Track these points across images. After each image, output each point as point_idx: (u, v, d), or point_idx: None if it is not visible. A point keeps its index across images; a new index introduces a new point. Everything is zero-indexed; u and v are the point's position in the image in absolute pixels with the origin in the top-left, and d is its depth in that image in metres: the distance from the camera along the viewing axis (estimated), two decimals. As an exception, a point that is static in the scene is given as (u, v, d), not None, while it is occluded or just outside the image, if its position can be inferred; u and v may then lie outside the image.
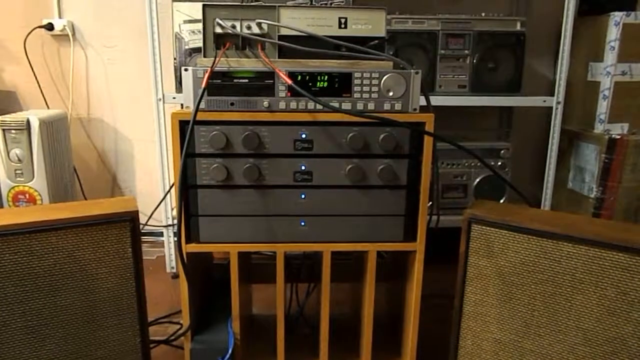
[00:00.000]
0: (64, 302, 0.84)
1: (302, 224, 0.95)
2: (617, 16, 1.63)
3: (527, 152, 2.04)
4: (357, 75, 0.90)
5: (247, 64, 0.93)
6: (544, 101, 1.65)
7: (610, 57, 1.66)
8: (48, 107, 1.91)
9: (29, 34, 1.85)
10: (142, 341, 0.92)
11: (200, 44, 0.95)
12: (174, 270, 1.73)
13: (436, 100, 1.59)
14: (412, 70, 0.91)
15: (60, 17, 1.87)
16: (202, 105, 0.89)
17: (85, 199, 1.97)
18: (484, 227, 0.88)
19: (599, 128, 1.72)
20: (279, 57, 0.95)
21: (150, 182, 2.02)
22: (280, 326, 1.01)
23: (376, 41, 0.96)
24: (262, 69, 0.90)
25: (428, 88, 1.68)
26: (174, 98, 1.57)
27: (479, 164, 1.69)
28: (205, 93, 0.89)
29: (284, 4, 0.94)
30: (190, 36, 1.57)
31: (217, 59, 0.89)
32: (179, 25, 1.58)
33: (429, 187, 0.94)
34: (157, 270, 1.76)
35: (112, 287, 0.88)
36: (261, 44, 0.94)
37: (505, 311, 0.88)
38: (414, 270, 0.98)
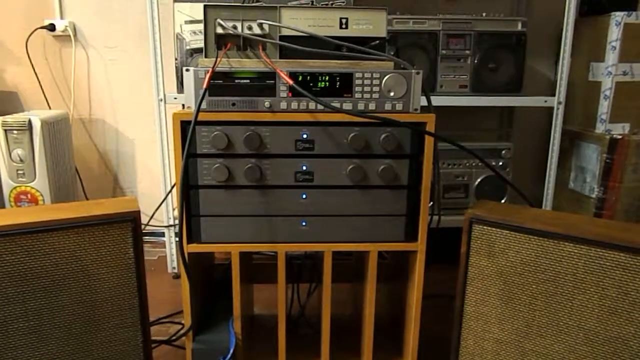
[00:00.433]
0: (65, 302, 0.84)
1: (303, 224, 0.95)
2: (618, 16, 1.63)
3: (528, 153, 2.04)
4: (358, 75, 0.90)
5: (249, 64, 0.93)
6: (545, 101, 1.65)
7: (611, 57, 1.66)
8: (50, 108, 1.92)
9: (31, 34, 1.85)
10: (144, 341, 0.92)
11: (202, 45, 0.96)
12: (176, 271, 1.73)
13: (437, 101, 1.59)
14: (413, 71, 0.91)
15: (61, 17, 1.88)
16: (204, 106, 0.89)
17: (87, 199, 1.97)
18: (485, 227, 0.88)
19: (600, 128, 1.72)
20: (280, 58, 0.95)
21: (152, 183, 2.02)
22: (281, 326, 1.01)
23: (377, 41, 0.97)
24: (263, 70, 0.90)
25: (429, 88, 1.68)
26: (175, 98, 1.57)
27: (480, 164, 1.69)
28: (207, 93, 0.89)
29: (285, 5, 0.95)
30: (191, 37, 1.58)
31: (218, 59, 0.89)
32: (180, 26, 1.58)
33: (430, 187, 0.94)
34: (159, 270, 1.76)
35: (113, 287, 0.88)
36: (262, 45, 0.94)
37: (506, 311, 0.88)
38: (415, 271, 0.98)
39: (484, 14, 1.67)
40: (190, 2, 1.56)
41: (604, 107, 1.69)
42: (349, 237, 0.97)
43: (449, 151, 1.68)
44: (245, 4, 0.94)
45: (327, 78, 0.90)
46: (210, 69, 0.87)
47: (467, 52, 1.67)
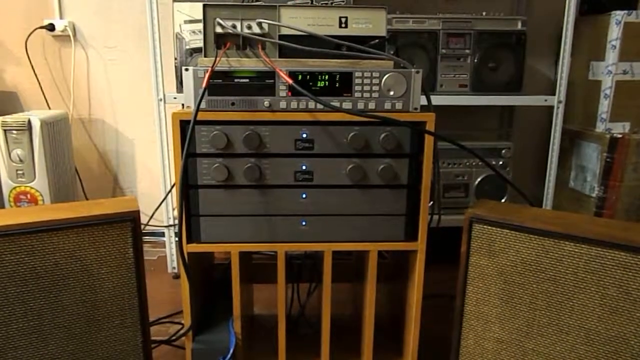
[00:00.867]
0: (65, 302, 0.84)
1: (303, 223, 0.95)
2: (618, 15, 1.63)
3: (528, 152, 2.03)
4: (357, 74, 0.90)
5: (248, 63, 0.93)
6: (545, 100, 1.65)
7: (611, 56, 1.66)
8: (49, 108, 1.92)
9: (30, 34, 1.85)
10: (144, 341, 0.92)
11: (201, 44, 0.95)
12: (175, 271, 1.73)
13: (437, 100, 1.59)
14: (412, 70, 0.91)
15: (61, 17, 1.88)
16: (203, 105, 0.89)
17: (87, 199, 1.97)
18: (485, 227, 0.88)
19: (600, 127, 1.71)
20: (279, 57, 0.95)
21: (152, 183, 2.02)
22: (281, 326, 1.01)
23: (377, 40, 0.96)
24: (262, 69, 0.90)
25: (429, 87, 1.67)
26: (174, 98, 1.57)
27: (480, 163, 1.69)
28: (206, 93, 0.89)
29: (284, 4, 0.94)
30: (191, 36, 1.57)
31: (218, 58, 0.89)
32: (180, 26, 1.58)
33: (430, 187, 0.94)
34: (159, 270, 1.76)
35: (113, 287, 0.88)
36: (262, 44, 0.94)
37: (506, 310, 0.88)
38: (415, 270, 0.98)
39: (484, 13, 1.66)
40: (190, 1, 1.56)
41: (604, 106, 1.69)
42: (349, 237, 0.96)
43: (449, 150, 1.68)
44: (244, 3, 0.94)
45: (326, 77, 0.90)
46: (210, 69, 0.87)
47: (467, 51, 1.67)
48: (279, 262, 0.97)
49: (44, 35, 1.88)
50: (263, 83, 0.90)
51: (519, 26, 1.66)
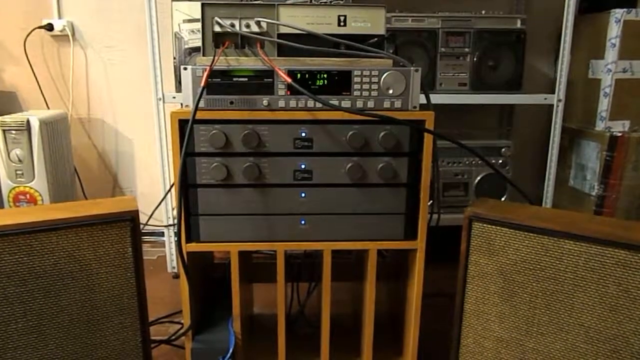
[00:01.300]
0: (64, 302, 0.84)
1: (302, 222, 0.95)
2: (617, 13, 1.63)
3: (528, 150, 2.03)
4: (356, 73, 0.90)
5: (247, 62, 0.92)
6: (545, 99, 1.65)
7: (611, 54, 1.65)
8: (48, 108, 1.91)
9: (29, 34, 1.85)
10: (143, 341, 0.92)
11: (200, 43, 0.95)
12: (175, 270, 1.73)
13: (436, 99, 1.59)
14: (411, 68, 0.90)
15: (60, 17, 1.87)
16: (202, 104, 0.89)
17: (86, 199, 1.97)
18: (485, 225, 0.88)
19: (600, 125, 1.71)
20: (278, 56, 0.95)
21: (151, 182, 2.02)
22: (281, 325, 1.01)
23: (376, 39, 0.96)
24: (261, 68, 0.90)
25: (428, 86, 1.67)
26: (174, 97, 1.57)
27: (479, 162, 1.69)
28: (205, 92, 0.88)
29: (283, 2, 0.94)
30: (189, 35, 1.57)
31: (216, 57, 0.89)
32: (179, 25, 1.58)
33: (429, 185, 0.94)
34: (158, 270, 1.76)
35: (112, 286, 0.87)
36: (260, 43, 0.94)
37: (506, 309, 0.88)
38: (415, 269, 0.98)
39: (483, 12, 1.66)
40: (189, 0, 1.56)
41: (604, 104, 1.69)
42: (348, 236, 0.96)
43: (448, 149, 1.68)
44: (243, 2, 0.94)
45: (325, 76, 0.90)
46: (208, 67, 0.87)
47: (467, 50, 1.66)
48: (279, 261, 0.97)
49: (43, 35, 1.88)
50: (262, 82, 0.89)
51: (519, 24, 1.66)
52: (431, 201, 0.96)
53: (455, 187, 1.72)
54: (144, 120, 1.94)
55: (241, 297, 1.00)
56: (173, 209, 1.65)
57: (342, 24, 0.95)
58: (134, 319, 0.90)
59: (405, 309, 1.05)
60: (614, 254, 0.77)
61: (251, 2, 0.93)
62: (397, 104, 0.91)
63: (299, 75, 0.90)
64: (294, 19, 0.94)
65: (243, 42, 0.95)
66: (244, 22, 0.94)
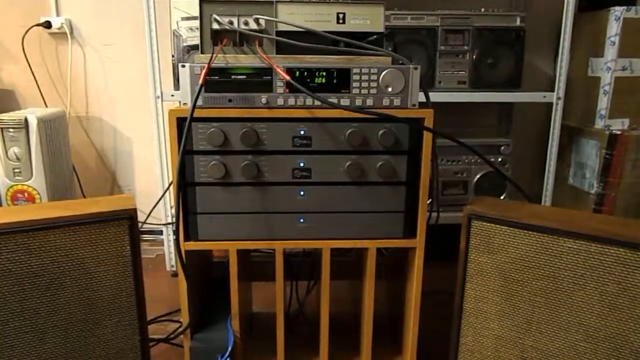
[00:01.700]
0: (62, 301, 0.84)
1: (301, 220, 0.95)
2: (617, 11, 1.62)
3: (527, 149, 2.03)
4: (355, 71, 0.90)
5: (245, 60, 0.92)
6: (544, 97, 1.64)
7: (610, 52, 1.65)
8: (46, 106, 1.91)
9: (27, 32, 1.84)
10: (142, 339, 0.92)
11: (199, 41, 0.95)
12: (174, 269, 1.73)
13: (436, 97, 1.59)
14: (411, 66, 0.90)
15: (58, 15, 1.87)
16: (200, 102, 0.88)
17: (85, 197, 1.97)
18: (484, 224, 0.88)
19: (599, 124, 1.71)
20: (276, 53, 0.95)
21: (150, 181, 2.01)
22: (280, 324, 1.01)
23: (375, 36, 0.96)
24: (259, 65, 0.89)
25: (427, 84, 1.67)
26: (172, 96, 1.56)
27: (479, 160, 1.68)
28: (203, 89, 0.88)
29: (281, 0, 0.94)
30: (188, 33, 1.57)
31: (215, 55, 0.89)
32: (177, 23, 1.57)
33: (428, 184, 0.94)
34: (157, 268, 1.76)
35: (110, 285, 0.87)
36: (259, 40, 0.93)
37: (506, 307, 0.88)
38: (414, 267, 0.97)
39: (482, 10, 1.66)
40: (187, -2, 1.55)
41: (603, 102, 1.69)
42: (347, 234, 0.96)
43: (448, 147, 1.68)
44: None
45: (324, 74, 0.90)
46: (206, 65, 0.87)
47: (466, 47, 1.66)
48: (277, 260, 0.97)
49: (41, 32, 1.87)
50: (260, 80, 0.89)
51: (518, 22, 1.65)
52: (430, 199, 0.96)
53: (454, 185, 1.71)
54: (142, 118, 1.94)
55: (240, 295, 0.99)
56: (172, 207, 1.65)
57: (341, 21, 0.95)
58: (132, 318, 0.90)
59: (405, 307, 1.05)
60: (613, 252, 0.77)
61: (250, 0, 0.93)
62: (397, 101, 0.91)
63: (297, 73, 0.89)
64: (292, 17, 0.94)
65: (241, 40, 0.94)
66: (242, 20, 0.93)
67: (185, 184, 0.92)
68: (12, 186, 1.65)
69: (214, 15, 0.93)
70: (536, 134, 2.02)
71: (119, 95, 1.95)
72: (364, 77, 0.90)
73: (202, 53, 0.94)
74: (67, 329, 0.85)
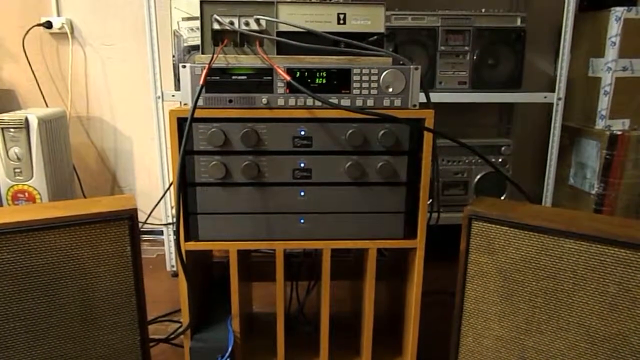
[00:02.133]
0: (62, 301, 0.84)
1: (302, 221, 0.95)
2: (617, 11, 1.62)
3: (528, 149, 2.03)
4: (356, 71, 0.90)
5: (245, 60, 0.92)
6: (545, 97, 1.64)
7: (611, 52, 1.65)
8: (47, 106, 1.91)
9: (28, 32, 1.84)
10: (142, 340, 0.91)
11: (199, 42, 0.95)
12: (174, 269, 1.73)
13: (436, 97, 1.59)
14: (411, 66, 0.90)
15: (58, 15, 1.87)
16: (200, 102, 0.88)
17: (85, 197, 1.97)
18: (484, 224, 0.88)
19: (600, 124, 1.71)
20: (277, 54, 0.95)
21: (150, 180, 2.01)
22: (280, 324, 1.01)
23: (375, 37, 0.96)
24: (260, 66, 0.89)
25: (428, 85, 1.67)
26: (173, 96, 1.56)
27: (479, 160, 1.68)
28: (203, 90, 0.88)
29: (282, 0, 0.94)
30: (189, 33, 1.57)
31: (215, 55, 0.89)
32: (178, 23, 1.57)
33: (429, 184, 0.94)
34: (158, 268, 1.76)
35: (110, 285, 0.87)
36: (259, 41, 0.93)
37: (506, 308, 0.88)
38: (414, 268, 0.97)
39: (483, 10, 1.66)
40: (188, -2, 1.55)
41: (604, 102, 1.69)
42: (348, 234, 0.96)
43: (448, 148, 1.68)
44: (242, 0, 0.93)
45: (324, 74, 0.90)
46: (207, 66, 0.87)
47: (466, 48, 1.66)
48: (278, 260, 0.97)
49: (42, 32, 1.88)
50: (261, 80, 0.89)
51: (518, 23, 1.65)
52: (431, 200, 0.96)
53: (455, 186, 1.71)
54: (143, 118, 1.94)
55: (240, 295, 0.99)
56: (172, 207, 1.65)
57: (341, 21, 0.95)
58: (133, 318, 0.90)
59: (405, 308, 1.05)
60: (614, 253, 0.77)
61: (250, 0, 0.93)
62: (397, 102, 0.91)
63: (298, 74, 0.89)
64: (293, 17, 0.94)
65: (242, 40, 0.94)
66: (243, 20, 0.93)
67: (186, 184, 0.92)
68: (12, 186, 1.65)
69: (215, 16, 0.93)
70: (536, 134, 2.02)
71: (119, 96, 1.95)
72: (365, 78, 0.90)
73: (202, 53, 0.94)
74: (67, 329, 0.85)
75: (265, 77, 0.89)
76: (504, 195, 1.72)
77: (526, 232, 0.84)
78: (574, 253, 0.80)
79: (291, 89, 0.89)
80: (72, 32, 1.88)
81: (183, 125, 0.87)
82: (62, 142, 1.78)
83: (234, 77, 0.89)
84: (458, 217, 0.95)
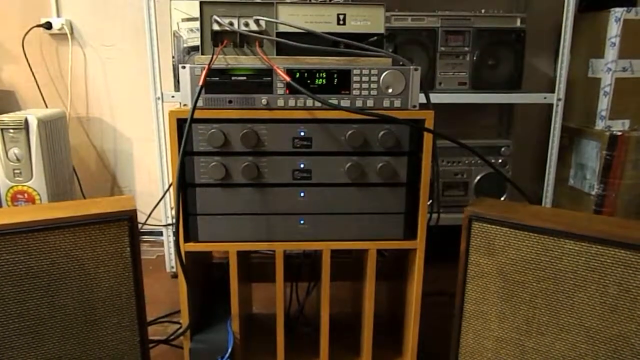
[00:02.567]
0: (62, 302, 0.84)
1: (301, 222, 0.95)
2: (617, 12, 1.62)
3: (528, 150, 2.03)
4: (355, 72, 0.90)
5: (245, 61, 0.92)
6: (545, 98, 1.64)
7: (610, 53, 1.65)
8: (46, 107, 1.91)
9: (27, 33, 1.84)
10: (141, 341, 0.91)
11: (199, 42, 0.95)
12: (174, 270, 1.73)
13: (436, 98, 1.58)
14: (411, 67, 0.90)
15: (58, 15, 1.87)
16: (200, 103, 0.88)
17: (85, 198, 1.96)
18: (484, 225, 0.87)
19: (599, 125, 1.71)
20: (277, 54, 0.95)
21: (150, 181, 2.01)
22: (280, 325, 1.01)
23: (375, 37, 0.96)
24: (260, 66, 0.89)
25: (428, 85, 1.67)
26: (172, 97, 1.56)
27: (479, 161, 1.68)
28: (203, 91, 0.88)
29: (281, 1, 0.94)
30: (188, 34, 1.57)
31: (215, 56, 0.89)
32: (178, 24, 1.57)
33: (429, 185, 0.94)
34: (157, 269, 1.76)
35: (110, 286, 0.87)
36: (259, 41, 0.93)
37: (506, 309, 0.88)
38: (415, 269, 0.97)
39: (482, 11, 1.66)
40: (187, -1, 1.55)
41: (604, 103, 1.69)
42: (348, 235, 0.96)
43: (448, 149, 1.67)
44: (241, 0, 0.93)
45: (324, 75, 0.90)
46: (207, 66, 0.86)
47: (466, 49, 1.66)
48: (277, 261, 0.97)
49: (41, 33, 1.88)
50: (260, 81, 0.89)
51: (518, 23, 1.65)
52: (431, 201, 0.96)
53: (455, 187, 1.71)
54: (142, 119, 1.94)
55: (240, 296, 0.99)
56: (172, 208, 1.65)
57: (341, 22, 0.95)
58: (132, 319, 0.90)
59: (405, 309, 1.05)
60: (614, 254, 0.77)
61: (250, 1, 0.93)
62: (397, 103, 0.91)
63: (298, 74, 0.89)
64: (293, 18, 0.94)
65: (242, 41, 0.94)
66: (242, 21, 0.93)
67: (186, 185, 0.92)
68: (12, 187, 1.65)
69: (214, 17, 0.93)
70: (536, 135, 2.02)
71: (119, 96, 1.95)
72: (364, 79, 0.90)
73: (202, 54, 0.94)
74: (67, 330, 0.85)
75: (265, 78, 0.89)
76: (504, 196, 1.72)
77: (526, 232, 0.84)
78: (574, 254, 0.80)
79: (291, 89, 0.89)
80: (71, 33, 1.88)
81: (183, 126, 0.87)
82: (61, 143, 1.77)
83: (233, 78, 0.89)
84: (458, 218, 0.95)
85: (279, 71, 0.88)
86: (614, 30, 1.63)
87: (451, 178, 1.71)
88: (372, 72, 0.90)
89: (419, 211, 0.94)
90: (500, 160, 1.71)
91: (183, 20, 1.57)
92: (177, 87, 1.60)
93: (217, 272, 1.26)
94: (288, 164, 0.92)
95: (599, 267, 0.78)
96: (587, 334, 0.80)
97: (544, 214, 0.86)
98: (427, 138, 0.91)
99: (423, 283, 0.98)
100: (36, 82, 1.89)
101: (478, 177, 1.71)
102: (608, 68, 1.66)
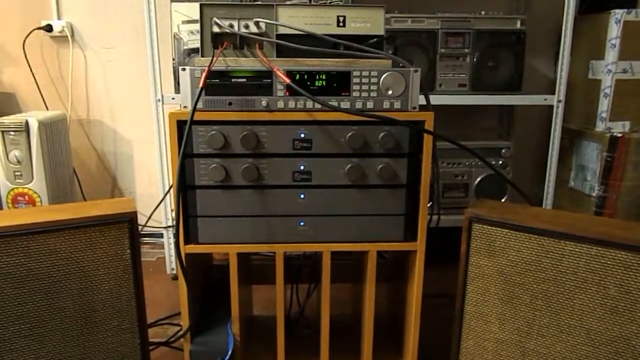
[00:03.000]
0: (62, 304, 0.84)
1: (302, 224, 0.95)
2: (617, 14, 1.62)
3: (528, 151, 2.03)
4: (355, 73, 0.90)
5: (245, 63, 0.92)
6: (545, 99, 1.64)
7: (611, 55, 1.65)
8: (47, 109, 1.91)
9: (28, 35, 1.85)
10: (142, 343, 0.91)
11: (199, 45, 0.95)
12: (174, 272, 1.72)
13: (436, 100, 1.58)
14: (411, 69, 0.90)
15: (59, 18, 1.87)
16: (200, 105, 0.88)
17: (85, 200, 1.97)
18: (485, 227, 0.87)
19: (600, 126, 1.71)
20: (277, 56, 0.95)
21: (150, 183, 2.01)
22: (280, 327, 1.01)
23: (375, 39, 0.96)
24: (260, 68, 0.89)
25: (428, 87, 1.67)
26: (173, 99, 1.56)
27: (479, 163, 1.68)
28: (203, 93, 0.88)
29: (282, 3, 0.94)
30: (189, 36, 1.57)
31: (215, 58, 0.89)
32: (178, 26, 1.57)
33: (429, 187, 0.93)
34: (158, 271, 1.76)
35: (110, 288, 0.87)
36: (259, 43, 0.93)
37: (507, 311, 0.87)
38: (415, 270, 0.97)
39: (482, 13, 1.66)
40: (188, 1, 1.56)
41: (604, 105, 1.69)
42: (348, 237, 0.96)
43: (448, 150, 1.67)
44: (242, 2, 0.93)
45: (324, 77, 0.90)
46: (207, 68, 0.87)
47: (466, 50, 1.66)
48: (278, 263, 0.97)
49: (42, 36, 1.88)
50: (260, 83, 0.89)
51: (518, 25, 1.65)
52: (431, 202, 0.96)
53: (455, 188, 1.71)
54: (143, 121, 1.94)
55: (240, 298, 0.99)
56: (172, 210, 1.65)
57: (341, 24, 0.95)
58: (133, 321, 0.90)
59: (405, 311, 1.05)
60: (615, 255, 0.76)
61: (250, 3, 0.93)
62: (397, 104, 0.91)
63: (297, 76, 0.89)
64: (292, 20, 0.94)
65: (242, 43, 0.95)
66: (242, 23, 0.94)
67: (186, 187, 0.92)
68: (12, 189, 1.65)
69: (215, 19, 0.93)
70: (537, 136, 2.02)
71: (119, 98, 1.95)
72: (364, 80, 0.90)
73: (202, 56, 0.94)
74: (67, 332, 0.85)
75: (265, 80, 0.89)
76: (505, 198, 1.72)
77: (527, 234, 0.83)
78: (574, 255, 0.80)
79: (291, 91, 0.89)
80: (72, 36, 1.88)
81: (183, 128, 0.88)
82: (62, 145, 1.78)
83: (233, 80, 0.89)
84: (458, 220, 0.95)
85: (278, 73, 0.88)
86: (614, 31, 1.63)
87: (451, 180, 1.70)
88: (372, 73, 0.90)
89: (419, 213, 0.94)
90: (500, 162, 1.71)
91: (183, 22, 1.57)
92: (177, 89, 1.60)
93: (218, 274, 1.26)
94: (288, 166, 0.92)
95: (600, 268, 0.78)
96: (587, 336, 0.80)
97: (544, 216, 0.86)
98: (427, 140, 0.91)
99: (423, 285, 0.98)
100: (37, 84, 1.89)
101: (478, 179, 1.71)
102: (608, 70, 1.66)
